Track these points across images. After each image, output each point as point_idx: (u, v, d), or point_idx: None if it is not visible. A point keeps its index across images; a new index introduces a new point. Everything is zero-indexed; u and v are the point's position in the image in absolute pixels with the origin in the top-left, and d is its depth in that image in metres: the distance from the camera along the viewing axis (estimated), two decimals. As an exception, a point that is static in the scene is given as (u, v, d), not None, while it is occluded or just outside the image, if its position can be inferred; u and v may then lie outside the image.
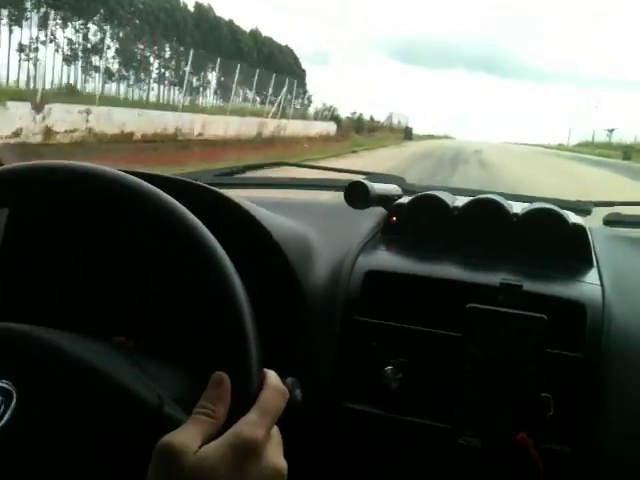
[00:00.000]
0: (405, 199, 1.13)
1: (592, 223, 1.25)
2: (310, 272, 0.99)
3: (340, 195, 1.11)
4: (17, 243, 0.83)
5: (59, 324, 0.59)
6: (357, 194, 1.09)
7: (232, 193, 1.29)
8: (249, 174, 1.41)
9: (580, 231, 1.02)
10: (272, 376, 0.53)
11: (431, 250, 1.05)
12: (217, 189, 0.97)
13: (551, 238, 1.02)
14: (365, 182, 1.10)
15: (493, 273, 0.95)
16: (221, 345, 0.52)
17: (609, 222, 1.29)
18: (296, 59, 45.62)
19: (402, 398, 0.91)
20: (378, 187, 1.13)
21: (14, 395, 0.51)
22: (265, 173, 1.47)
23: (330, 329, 0.96)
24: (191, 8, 34.47)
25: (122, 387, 0.52)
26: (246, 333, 0.52)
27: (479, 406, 0.89)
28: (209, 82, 30.39)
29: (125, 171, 0.65)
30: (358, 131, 35.10)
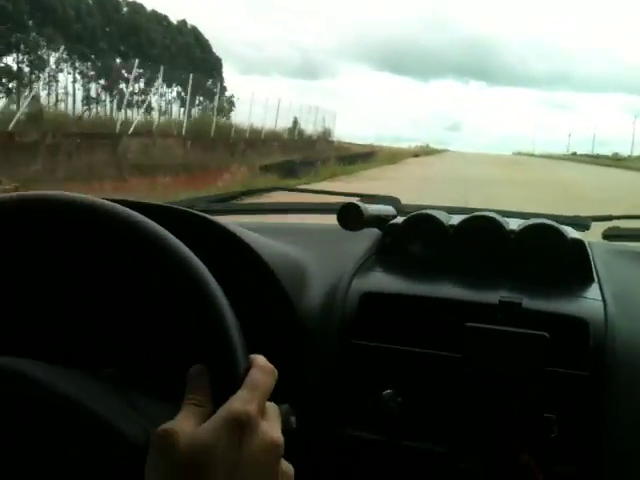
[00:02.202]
0: (399, 219, 1.12)
1: (591, 238, 1.23)
2: (305, 296, 0.98)
3: (334, 218, 1.10)
4: (5, 274, 0.82)
5: (45, 356, 0.58)
6: (350, 216, 1.08)
7: (227, 219, 1.28)
8: (244, 200, 1.41)
9: (579, 246, 1.01)
10: (258, 357, 0.54)
11: (427, 270, 1.04)
12: (209, 216, 0.96)
13: (549, 254, 1.00)
14: (358, 203, 1.09)
15: (492, 291, 0.93)
16: (203, 336, 0.52)
17: (608, 236, 1.27)
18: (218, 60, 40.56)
19: (402, 422, 0.88)
20: (372, 208, 1.12)
21: None
22: (260, 198, 1.47)
23: (327, 353, 0.94)
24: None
25: (106, 422, 0.51)
26: (225, 320, 0.52)
27: (481, 428, 0.86)
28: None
29: (117, 200, 0.64)
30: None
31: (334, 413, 0.93)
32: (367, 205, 1.11)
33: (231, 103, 32.11)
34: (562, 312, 0.89)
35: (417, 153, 51.42)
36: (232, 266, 0.89)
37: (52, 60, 25.82)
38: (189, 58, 33.07)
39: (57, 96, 26.36)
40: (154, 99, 28.37)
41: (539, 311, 0.89)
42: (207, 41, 37.70)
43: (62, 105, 25.56)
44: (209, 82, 32.00)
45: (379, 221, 1.13)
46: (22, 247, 0.81)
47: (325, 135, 33.31)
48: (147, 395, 0.61)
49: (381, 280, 1.03)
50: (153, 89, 28.65)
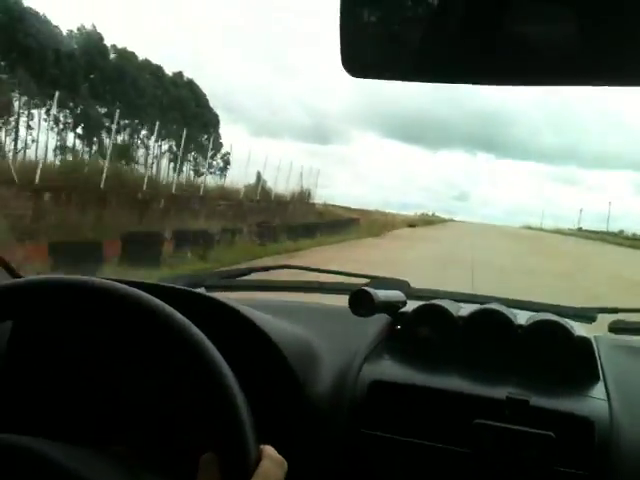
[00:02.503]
0: (409, 307, 1.14)
1: (597, 330, 1.24)
2: (314, 379, 0.98)
3: (344, 298, 1.12)
4: (18, 355, 0.84)
5: (55, 434, 0.59)
6: (361, 302, 1.10)
7: (237, 296, 1.30)
8: (254, 276, 1.43)
9: (586, 344, 1.02)
10: (268, 448, 0.54)
11: (436, 360, 1.05)
12: (219, 294, 0.98)
13: (556, 351, 1.02)
14: (369, 290, 1.11)
15: (499, 386, 0.94)
16: (215, 426, 0.52)
17: (614, 329, 1.28)
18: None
19: None
20: (382, 294, 1.14)
21: None
22: (270, 275, 1.49)
23: (335, 441, 0.94)
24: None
25: None
26: (238, 411, 0.53)
27: None
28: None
29: (125, 281, 0.66)
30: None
31: None
32: (377, 291, 1.13)
33: (226, 161, 30.66)
34: (568, 411, 0.90)
35: (414, 223, 38.85)
36: (240, 346, 0.90)
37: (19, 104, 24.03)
38: (182, 111, 31.24)
39: (20, 144, 24.33)
40: (140, 153, 27.28)
41: (546, 409, 0.90)
42: (204, 95, 35.59)
43: (25, 154, 22.96)
44: (204, 137, 30.71)
45: (389, 307, 1.15)
46: (43, 326, 0.83)
47: (303, 196, 26.34)
48: (155, 473, 0.62)
49: (391, 368, 1.03)
50: (138, 142, 27.64)
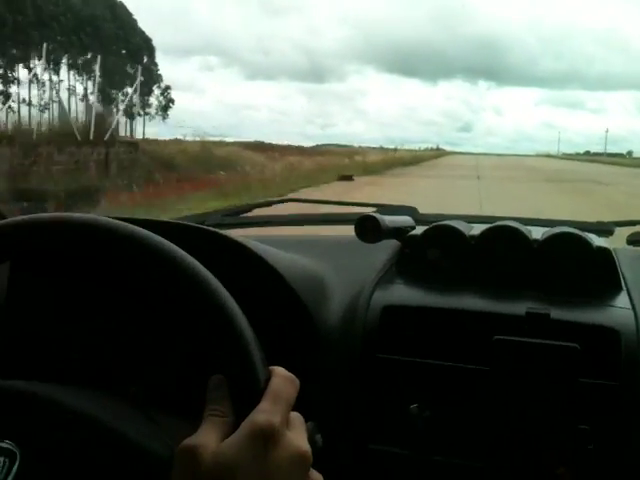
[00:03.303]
0: (419, 230, 1.09)
1: (615, 244, 1.20)
2: (325, 310, 0.96)
3: (351, 229, 1.08)
4: (19, 296, 0.81)
5: (67, 378, 0.59)
6: (368, 228, 1.06)
7: (240, 233, 1.26)
8: (256, 212, 1.39)
9: (605, 254, 0.97)
10: (278, 368, 0.53)
11: (449, 281, 1.01)
12: (223, 231, 0.95)
13: (575, 263, 0.97)
14: (376, 215, 1.06)
15: (518, 302, 0.90)
16: (221, 349, 0.51)
17: (633, 242, 1.24)
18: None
19: (430, 437, 0.86)
20: (389, 219, 1.09)
21: (17, 456, 0.50)
22: (274, 211, 1.45)
23: (350, 368, 0.92)
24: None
25: (128, 439, 0.52)
26: (242, 332, 0.52)
27: (513, 442, 0.83)
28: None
29: (126, 219, 0.63)
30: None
31: (360, 428, 0.91)
32: (384, 216, 1.08)
33: (169, 99, 25.51)
34: (592, 322, 0.87)
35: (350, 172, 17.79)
36: (248, 280, 0.87)
37: None
38: (96, 34, 23.47)
39: None
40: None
41: (568, 322, 0.86)
42: (130, 15, 27.03)
43: None
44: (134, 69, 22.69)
45: (397, 232, 1.11)
46: (40, 269, 0.80)
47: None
48: (169, 411, 0.61)
49: (402, 292, 1.00)
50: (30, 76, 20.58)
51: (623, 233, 1.27)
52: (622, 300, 0.92)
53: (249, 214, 1.40)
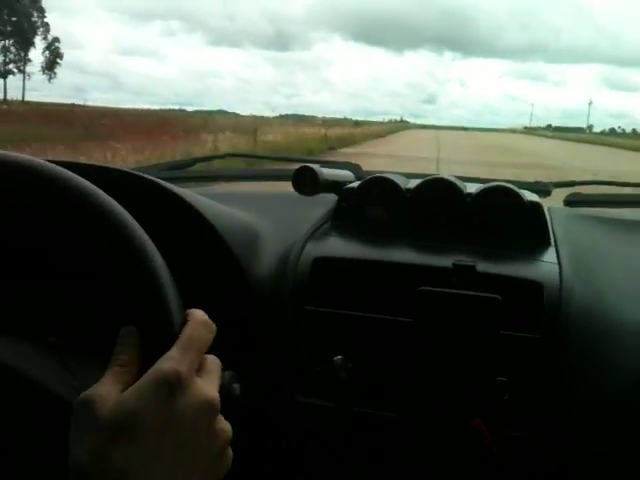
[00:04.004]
0: (356, 183, 1.08)
1: (553, 204, 1.21)
2: (257, 262, 0.94)
3: (290, 185, 1.06)
4: None
5: None
6: (305, 180, 1.04)
7: (180, 186, 1.23)
8: (198, 167, 1.35)
9: (536, 208, 0.98)
10: (195, 311, 0.51)
11: (382, 234, 1.00)
12: (158, 180, 0.92)
13: (506, 217, 0.98)
14: (313, 167, 1.05)
15: (446, 255, 0.90)
16: (136, 293, 0.50)
17: (570, 202, 1.25)
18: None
19: (353, 389, 0.86)
20: (328, 172, 1.08)
21: None
22: (214, 165, 1.42)
23: (278, 319, 0.91)
24: None
25: (39, 384, 0.52)
26: (158, 276, 0.50)
27: (432, 392, 0.84)
28: None
29: (60, 162, 0.60)
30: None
31: (286, 380, 0.91)
32: (323, 169, 1.07)
33: (56, 54, 20.39)
34: (516, 275, 0.87)
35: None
36: (175, 227, 0.85)
37: None
38: None
39: None
40: None
41: (493, 274, 0.86)
42: None
43: None
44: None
45: (336, 186, 1.10)
46: None
47: None
48: (86, 360, 0.60)
49: (334, 245, 0.99)
50: None
51: (561, 194, 1.28)
52: (549, 255, 0.93)
53: (191, 168, 1.36)
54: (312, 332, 0.90)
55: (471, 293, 0.82)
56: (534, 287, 0.85)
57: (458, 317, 0.83)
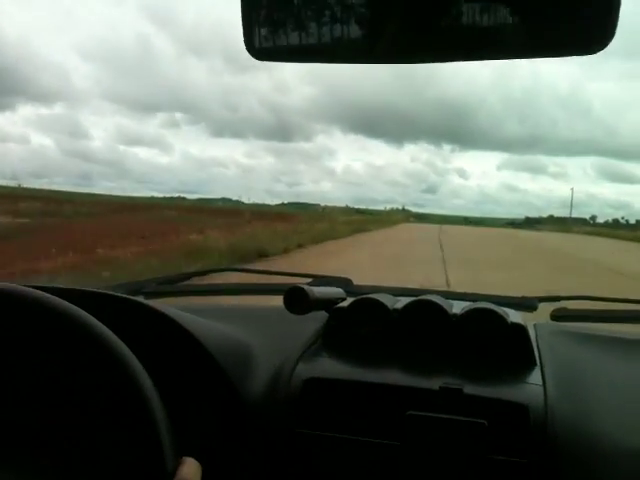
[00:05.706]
0: (346, 302, 1.11)
1: (539, 319, 1.24)
2: (249, 380, 0.96)
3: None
4: None
5: None
6: (296, 299, 1.07)
7: (176, 301, 1.26)
8: (194, 281, 1.40)
9: (519, 330, 1.00)
10: (189, 464, 0.52)
11: (371, 354, 1.02)
12: (147, 301, 0.95)
13: (491, 338, 1.00)
14: (304, 287, 1.08)
15: (433, 377, 0.92)
16: (131, 437, 0.51)
17: (556, 317, 1.28)
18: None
19: None
20: (319, 291, 1.11)
21: None
22: (212, 279, 1.46)
23: (269, 441, 0.91)
24: None
25: None
26: (154, 417, 0.52)
27: None
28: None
29: (51, 288, 0.63)
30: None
31: None
32: (314, 288, 1.10)
33: None
34: (502, 398, 0.88)
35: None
36: (168, 350, 0.87)
37: None
38: None
39: None
40: None
41: (479, 397, 0.88)
42: None
43: None
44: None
45: (326, 304, 1.13)
46: None
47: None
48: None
49: (325, 365, 1.01)
50: None
51: (548, 309, 1.31)
52: (534, 376, 0.94)
53: (186, 282, 1.40)
54: (301, 455, 0.90)
55: (457, 418, 0.83)
56: (519, 410, 0.86)
57: (445, 441, 0.83)
